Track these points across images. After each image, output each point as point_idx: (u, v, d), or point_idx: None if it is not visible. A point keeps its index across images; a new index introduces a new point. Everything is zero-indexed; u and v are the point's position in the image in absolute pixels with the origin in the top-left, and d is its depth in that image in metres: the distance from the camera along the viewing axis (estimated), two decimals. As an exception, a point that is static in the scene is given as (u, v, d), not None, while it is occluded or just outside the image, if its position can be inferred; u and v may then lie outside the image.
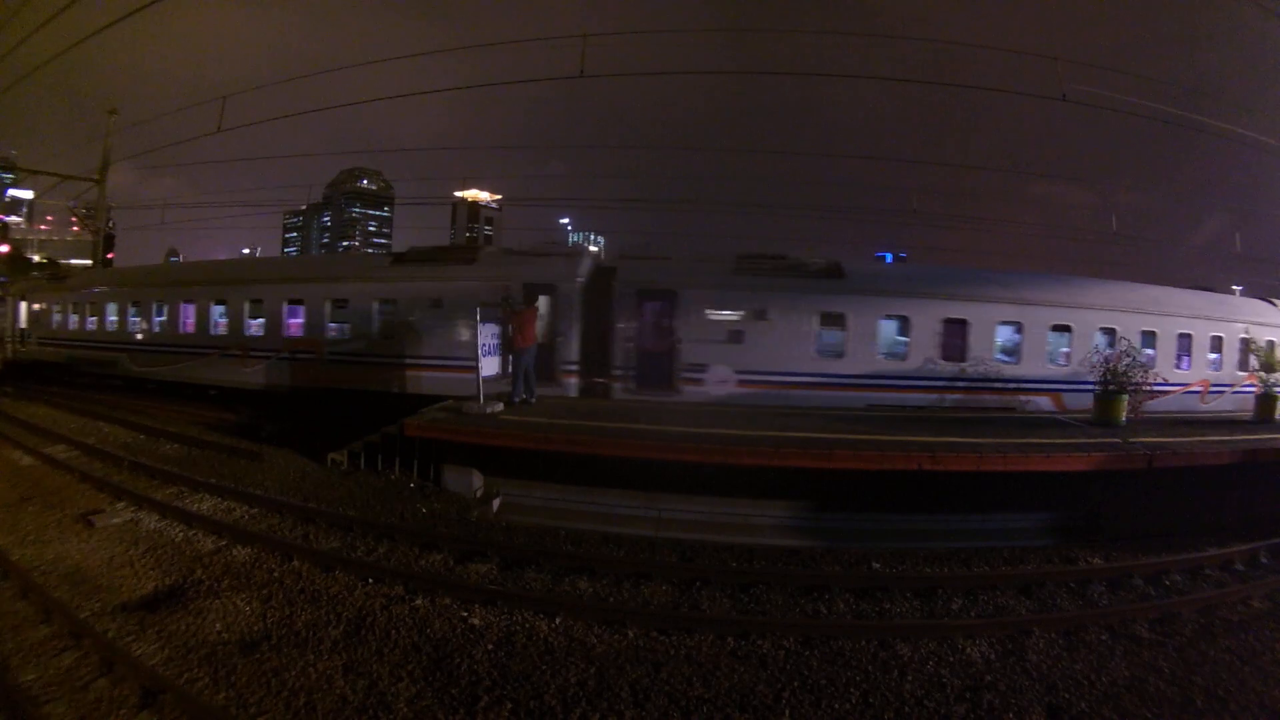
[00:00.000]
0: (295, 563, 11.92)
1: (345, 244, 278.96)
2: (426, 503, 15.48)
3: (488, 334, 18.07)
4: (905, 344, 21.17)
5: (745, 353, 20.81)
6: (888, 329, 21.41)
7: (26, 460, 18.24)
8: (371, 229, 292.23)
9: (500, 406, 17.84)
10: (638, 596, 11.25)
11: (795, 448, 14.67)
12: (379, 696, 7.89)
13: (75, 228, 66.73)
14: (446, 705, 7.80)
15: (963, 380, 20.81)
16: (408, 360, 23.03)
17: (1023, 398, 21.08)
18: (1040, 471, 14.52)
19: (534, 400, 19.15)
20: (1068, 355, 21.59)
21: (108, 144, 43.03)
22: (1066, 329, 21.81)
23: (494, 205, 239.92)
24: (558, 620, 10.10)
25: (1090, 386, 19.38)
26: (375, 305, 24.26)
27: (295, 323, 25.94)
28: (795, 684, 8.48)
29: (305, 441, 20.16)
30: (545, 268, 22.34)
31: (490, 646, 9.22)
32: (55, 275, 38.87)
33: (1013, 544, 14.17)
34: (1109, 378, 18.42)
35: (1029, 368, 21.22)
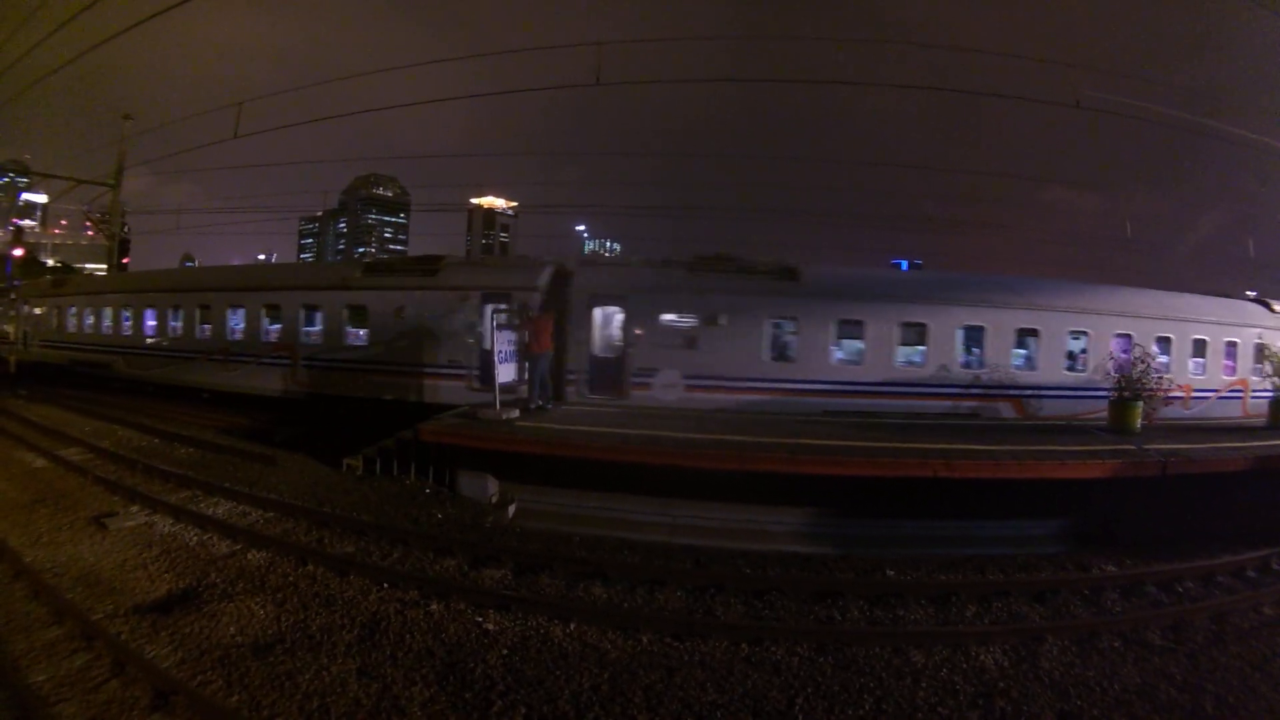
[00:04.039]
0: (310, 567, 11.97)
1: (361, 250, 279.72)
2: (441, 508, 15.56)
3: (504, 341, 18.10)
4: None
5: None
6: None
7: (40, 462, 18.37)
8: (387, 235, 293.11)
9: (516, 413, 17.84)
10: (652, 602, 11.26)
11: (810, 454, 14.67)
12: (393, 700, 7.92)
13: (90, 232, 67.08)
14: (460, 709, 7.82)
15: None
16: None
17: None
18: (1055, 478, 14.48)
19: (550, 406, 19.18)
20: None
21: (123, 149, 43.26)
22: None
23: (509, 212, 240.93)
24: (572, 625, 10.12)
25: None
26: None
27: None
28: (809, 690, 8.48)
29: (320, 446, 20.27)
30: None
31: (504, 651, 9.24)
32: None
33: (1027, 551, 14.13)
34: (1124, 384, 18.35)
35: None
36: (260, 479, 17.15)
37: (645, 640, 9.78)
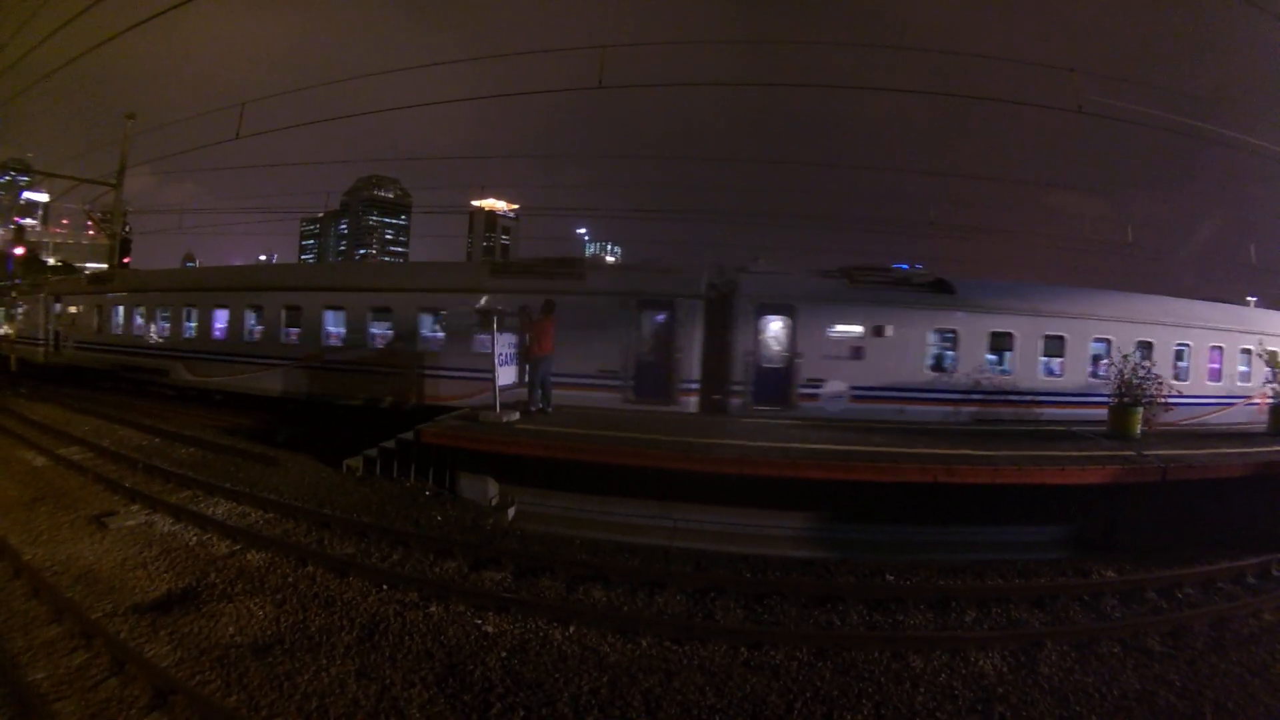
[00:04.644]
0: (310, 568, 11.97)
1: (362, 251, 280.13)
2: (442, 510, 15.54)
3: (504, 343, 18.07)
4: None
5: None
6: None
7: (40, 461, 18.39)
8: (388, 237, 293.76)
9: (516, 415, 17.83)
10: (652, 606, 11.25)
11: (810, 459, 14.67)
12: (391, 701, 7.92)
13: (91, 231, 67.06)
14: (459, 711, 7.83)
15: None
16: None
17: None
18: (1054, 484, 14.48)
19: (550, 409, 19.17)
20: None
21: (125, 148, 43.09)
22: None
23: (511, 214, 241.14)
24: (571, 628, 10.11)
25: None
26: None
27: None
28: (808, 695, 8.47)
29: (321, 448, 20.28)
30: None
31: (504, 654, 9.24)
32: None
33: (1026, 556, 14.18)
34: (1123, 390, 18.39)
35: None
36: (261, 479, 17.13)
37: (645, 644, 9.78)
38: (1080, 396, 21.87)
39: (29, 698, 7.57)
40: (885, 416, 20.92)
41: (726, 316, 21.82)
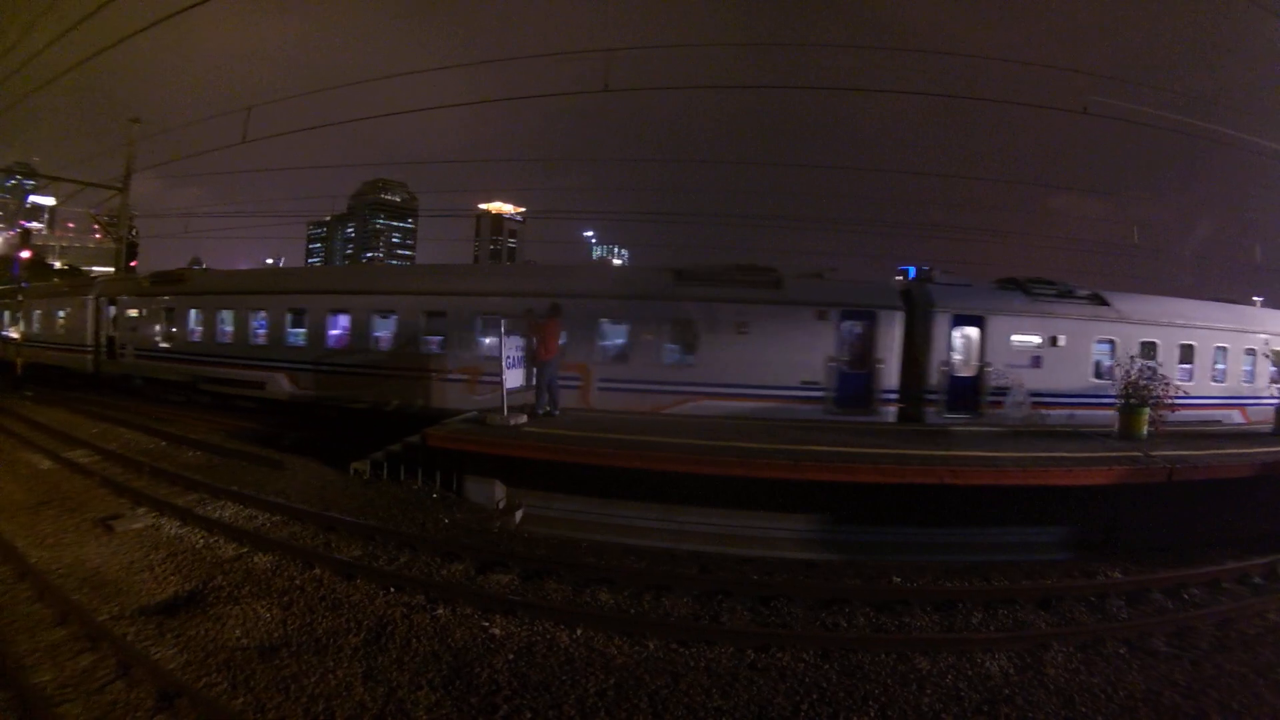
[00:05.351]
0: (316, 570, 11.96)
1: (369, 255, 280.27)
2: (448, 513, 15.54)
3: (512, 346, 18.07)
4: None
5: None
6: None
7: (46, 464, 18.42)
8: (395, 240, 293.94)
9: (524, 418, 17.85)
10: (658, 608, 11.24)
11: (813, 461, 14.66)
12: (398, 704, 7.91)
13: (98, 235, 67.15)
14: (466, 713, 7.82)
15: None
16: None
17: None
18: (1060, 485, 14.47)
19: (557, 413, 19.18)
20: None
21: (130, 152, 43.17)
22: None
23: (518, 218, 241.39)
24: (578, 631, 10.09)
25: None
26: None
27: None
28: (814, 696, 8.46)
29: (327, 450, 20.24)
30: None
31: (510, 656, 9.23)
32: None
33: (1032, 558, 14.19)
34: (1130, 391, 18.41)
35: None
36: (267, 482, 17.13)
37: (651, 646, 9.77)
38: (1207, 398, 24.04)
39: (34, 700, 7.58)
40: (1056, 422, 21.96)
41: (924, 327, 22.39)
